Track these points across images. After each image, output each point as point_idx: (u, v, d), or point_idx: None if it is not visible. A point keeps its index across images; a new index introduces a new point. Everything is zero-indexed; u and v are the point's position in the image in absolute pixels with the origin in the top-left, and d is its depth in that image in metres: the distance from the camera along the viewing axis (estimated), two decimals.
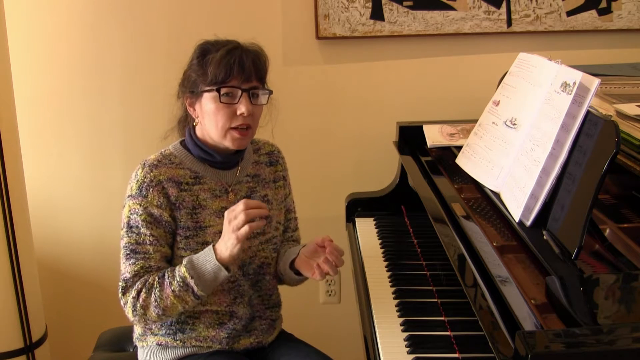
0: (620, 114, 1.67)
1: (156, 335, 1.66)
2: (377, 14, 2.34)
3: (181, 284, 1.53)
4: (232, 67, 1.54)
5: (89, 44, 2.37)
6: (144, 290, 1.55)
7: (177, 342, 1.65)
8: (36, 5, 2.33)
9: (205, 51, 1.58)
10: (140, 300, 1.54)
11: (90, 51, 2.37)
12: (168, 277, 1.55)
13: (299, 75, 2.40)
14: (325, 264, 1.55)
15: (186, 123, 1.68)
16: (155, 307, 1.54)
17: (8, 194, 2.01)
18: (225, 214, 1.52)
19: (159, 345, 1.66)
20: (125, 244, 1.57)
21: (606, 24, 2.38)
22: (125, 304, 1.57)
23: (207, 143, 1.63)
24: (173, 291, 1.53)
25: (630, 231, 1.38)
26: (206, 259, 1.53)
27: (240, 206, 1.49)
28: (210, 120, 1.58)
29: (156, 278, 1.55)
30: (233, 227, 1.49)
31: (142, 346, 1.70)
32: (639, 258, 1.28)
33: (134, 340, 1.74)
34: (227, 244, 1.51)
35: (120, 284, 1.57)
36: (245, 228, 1.48)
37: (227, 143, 1.60)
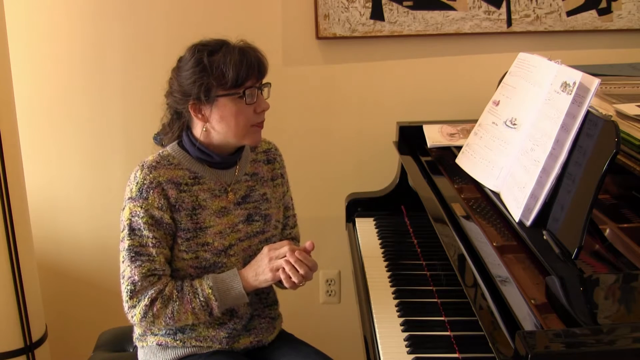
0: (620, 114, 1.67)
1: (156, 335, 1.66)
2: (377, 14, 2.34)
3: (203, 304, 1.57)
4: (252, 67, 1.56)
5: (89, 45, 2.37)
6: (159, 300, 1.55)
7: (177, 342, 1.65)
8: (36, 5, 2.33)
9: (210, 54, 1.55)
10: (154, 309, 1.55)
11: (90, 52, 2.37)
12: (188, 293, 1.57)
13: (299, 75, 2.40)
14: (290, 271, 1.55)
15: (180, 127, 1.65)
16: (169, 318, 1.56)
17: (8, 194, 2.01)
18: (266, 249, 1.60)
19: (159, 345, 1.66)
20: (128, 246, 1.57)
21: (606, 24, 2.38)
22: (132, 307, 1.56)
23: (210, 144, 1.62)
24: (193, 308, 1.57)
25: (630, 231, 1.38)
26: (231, 284, 1.58)
27: (285, 248, 1.56)
28: (230, 122, 1.57)
29: (174, 291, 1.56)
30: (272, 266, 1.57)
31: (142, 346, 1.70)
32: (639, 258, 1.29)
33: (134, 340, 1.73)
34: (259, 278, 1.58)
35: (127, 287, 1.56)
36: (285, 272, 1.55)
37: (247, 141, 1.63)
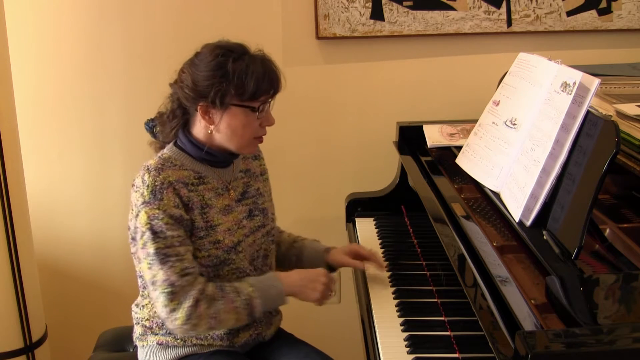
0: (620, 114, 1.67)
1: (157, 334, 1.66)
2: (377, 14, 2.34)
3: (245, 302, 1.55)
4: (273, 83, 1.56)
5: (89, 46, 2.36)
6: (203, 300, 1.51)
7: (178, 341, 1.65)
8: (37, 5, 2.32)
9: (234, 61, 1.53)
10: (199, 310, 1.50)
11: (91, 53, 2.37)
12: (231, 292, 1.55)
13: (299, 75, 2.40)
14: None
15: (178, 122, 1.63)
16: (212, 318, 1.52)
17: (8, 195, 2.01)
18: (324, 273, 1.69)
19: (160, 344, 1.66)
20: (155, 250, 1.51)
21: (606, 24, 2.38)
22: (172, 311, 1.50)
23: (212, 145, 1.62)
24: (236, 307, 1.55)
25: (630, 231, 1.38)
26: (272, 283, 1.60)
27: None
28: (236, 131, 1.58)
29: (216, 291, 1.54)
30: (323, 293, 1.66)
31: (143, 346, 1.69)
32: (639, 258, 1.29)
33: (134, 339, 1.73)
34: (304, 291, 1.65)
35: (164, 290, 1.50)
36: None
37: (246, 151, 1.65)
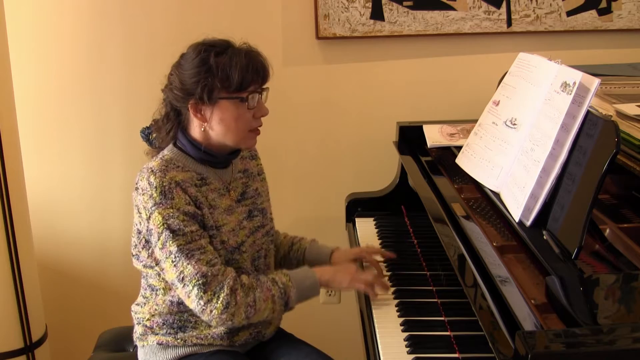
0: (620, 114, 1.67)
1: (157, 334, 1.66)
2: (377, 14, 2.34)
3: (282, 291, 1.58)
4: (258, 72, 1.56)
5: (90, 46, 2.37)
6: (240, 289, 1.52)
7: (178, 340, 1.64)
8: (37, 5, 2.33)
9: (216, 55, 1.54)
10: (237, 297, 1.51)
11: (91, 53, 2.37)
12: (266, 282, 1.58)
13: (299, 75, 2.40)
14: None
15: (173, 125, 1.63)
16: (250, 307, 1.53)
17: (8, 194, 2.01)
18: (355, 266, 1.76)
19: (160, 344, 1.66)
20: (178, 247, 1.51)
21: (606, 24, 2.38)
22: (209, 302, 1.50)
23: (210, 145, 1.62)
24: (273, 295, 1.56)
25: (630, 231, 1.38)
26: (306, 274, 1.63)
27: (372, 273, 1.73)
28: (229, 125, 1.58)
29: (252, 280, 1.56)
30: (357, 277, 1.67)
31: (143, 346, 1.69)
32: (639, 258, 1.29)
33: (134, 339, 1.73)
34: (337, 276, 1.66)
35: (197, 282, 1.49)
36: (364, 286, 1.67)
37: (243, 145, 1.64)
